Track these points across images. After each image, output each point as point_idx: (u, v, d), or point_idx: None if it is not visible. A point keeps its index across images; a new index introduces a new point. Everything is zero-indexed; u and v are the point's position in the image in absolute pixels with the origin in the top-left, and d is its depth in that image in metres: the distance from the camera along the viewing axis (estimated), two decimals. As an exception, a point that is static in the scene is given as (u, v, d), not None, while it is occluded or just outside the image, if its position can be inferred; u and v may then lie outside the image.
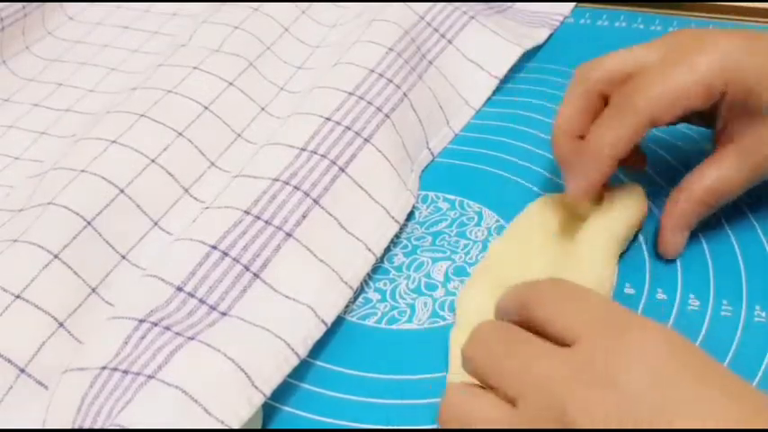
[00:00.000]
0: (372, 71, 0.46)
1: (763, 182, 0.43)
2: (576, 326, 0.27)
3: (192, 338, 0.34)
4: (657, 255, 0.40)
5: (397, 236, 0.43)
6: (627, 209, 0.39)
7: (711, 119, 0.39)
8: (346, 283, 0.39)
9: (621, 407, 0.25)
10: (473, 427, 0.28)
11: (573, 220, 0.40)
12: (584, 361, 0.26)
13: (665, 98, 0.36)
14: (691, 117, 0.39)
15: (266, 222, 0.39)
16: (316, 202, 0.40)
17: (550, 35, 0.56)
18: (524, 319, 0.29)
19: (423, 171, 0.47)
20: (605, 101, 0.39)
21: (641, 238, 0.41)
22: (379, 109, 0.45)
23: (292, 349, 0.35)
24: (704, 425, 0.24)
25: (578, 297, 0.29)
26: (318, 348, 0.37)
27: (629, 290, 0.39)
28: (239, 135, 0.47)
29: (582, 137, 0.39)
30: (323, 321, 0.37)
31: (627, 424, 0.25)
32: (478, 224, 0.43)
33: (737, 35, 0.37)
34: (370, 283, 0.41)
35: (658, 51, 0.37)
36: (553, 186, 0.44)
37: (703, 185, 0.37)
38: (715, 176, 0.37)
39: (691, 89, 0.35)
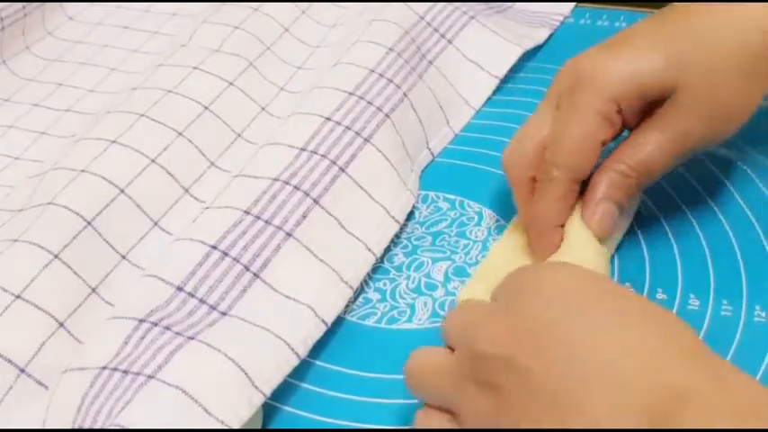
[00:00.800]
0: (372, 71, 0.46)
1: (763, 182, 0.43)
2: (504, 288, 0.32)
3: (192, 338, 0.34)
4: (657, 255, 0.40)
5: (397, 236, 0.43)
6: None
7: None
8: (346, 283, 0.39)
9: (512, 331, 0.28)
10: (424, 379, 0.32)
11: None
12: (497, 305, 0.31)
13: (576, 156, 0.37)
14: None
15: (266, 222, 0.39)
16: (316, 202, 0.40)
17: (550, 35, 0.56)
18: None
19: (423, 171, 0.47)
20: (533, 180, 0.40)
21: (641, 238, 0.41)
22: (379, 109, 0.45)
23: (292, 349, 0.35)
24: (591, 346, 0.26)
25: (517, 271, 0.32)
26: (318, 348, 0.37)
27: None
28: (239, 135, 0.47)
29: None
30: (323, 321, 0.37)
31: (516, 344, 0.28)
32: (478, 224, 0.43)
33: (598, 53, 0.38)
34: (370, 283, 0.41)
35: (550, 111, 0.39)
36: (553, 186, 0.44)
37: (628, 161, 0.37)
38: (639, 152, 0.37)
39: (592, 133, 0.37)
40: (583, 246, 0.37)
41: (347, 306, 0.40)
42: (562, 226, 0.38)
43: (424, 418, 0.32)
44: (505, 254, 0.40)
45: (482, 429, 0.29)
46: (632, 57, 0.37)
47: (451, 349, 0.31)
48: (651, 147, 0.37)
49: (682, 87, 0.36)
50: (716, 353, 0.27)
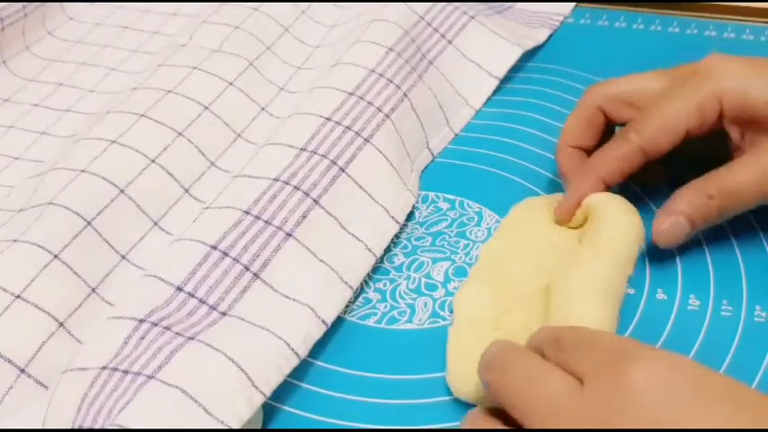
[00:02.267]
0: (372, 71, 0.46)
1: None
2: (582, 365, 0.28)
3: (192, 338, 0.34)
4: (657, 255, 0.40)
5: (397, 236, 0.43)
6: (623, 250, 0.37)
7: (724, 146, 0.39)
8: (346, 283, 0.39)
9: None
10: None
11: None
12: (590, 394, 0.27)
13: (656, 130, 0.38)
14: (702, 148, 0.39)
15: (266, 222, 0.39)
16: (316, 202, 0.40)
17: (550, 35, 0.56)
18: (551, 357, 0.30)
19: (423, 171, 0.47)
20: (605, 117, 0.41)
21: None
22: (379, 109, 0.45)
23: (292, 349, 0.35)
24: None
25: (587, 339, 0.29)
26: (318, 348, 0.37)
27: (629, 290, 0.39)
28: (239, 135, 0.47)
29: (582, 148, 0.42)
30: (323, 321, 0.37)
31: None
32: (478, 224, 0.43)
33: (736, 59, 0.38)
34: (370, 283, 0.41)
35: (662, 80, 0.40)
36: (553, 186, 0.44)
37: (721, 187, 0.37)
38: (729, 179, 0.37)
39: (682, 117, 0.37)
40: (583, 301, 0.35)
41: (347, 306, 0.40)
42: (605, 184, 0.39)
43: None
44: (498, 253, 0.40)
45: None
46: (755, 73, 0.37)
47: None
48: (744, 177, 0.36)
49: None
50: None
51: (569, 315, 0.34)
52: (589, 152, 0.42)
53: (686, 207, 0.37)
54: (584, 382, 0.27)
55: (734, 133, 0.38)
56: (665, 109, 0.38)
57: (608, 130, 0.42)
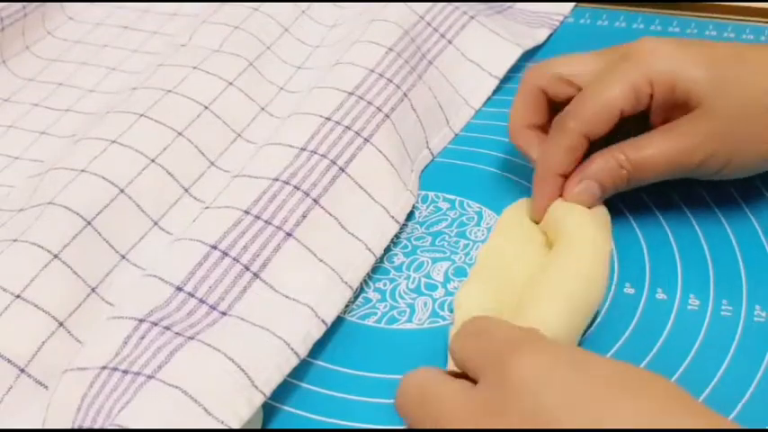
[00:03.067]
0: (372, 71, 0.46)
1: (762, 181, 0.43)
2: (476, 365, 0.29)
3: (191, 338, 0.34)
4: (657, 255, 0.40)
5: (397, 236, 0.43)
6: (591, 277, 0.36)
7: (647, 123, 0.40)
8: (346, 283, 0.39)
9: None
10: (429, 403, 0.29)
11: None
12: (480, 392, 0.28)
13: (593, 114, 0.38)
14: (630, 126, 0.40)
15: (266, 222, 0.39)
16: (316, 201, 0.40)
17: (550, 35, 0.56)
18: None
19: (423, 171, 0.47)
20: (547, 96, 0.42)
21: (641, 238, 0.41)
22: (379, 109, 0.45)
23: (292, 349, 0.35)
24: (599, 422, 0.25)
25: (471, 336, 0.31)
26: (318, 348, 0.37)
27: (628, 290, 0.39)
28: (239, 135, 0.47)
29: (534, 126, 0.43)
30: (323, 321, 0.37)
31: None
32: (478, 224, 0.43)
33: (666, 42, 0.39)
34: (370, 283, 0.41)
35: (598, 61, 0.41)
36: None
37: (627, 152, 0.38)
38: (642, 149, 0.38)
39: (617, 98, 0.38)
40: (584, 243, 0.37)
41: (347, 306, 0.40)
42: (564, 177, 0.39)
43: None
44: (495, 253, 0.40)
45: None
46: (684, 57, 0.38)
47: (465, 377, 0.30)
48: (654, 149, 0.38)
49: (707, 107, 0.37)
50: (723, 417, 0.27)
51: (528, 318, 0.34)
52: (541, 128, 0.43)
53: (598, 172, 0.39)
54: (478, 379, 0.29)
55: (657, 114, 0.39)
56: (601, 92, 0.38)
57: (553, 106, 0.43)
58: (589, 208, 0.39)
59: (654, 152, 0.38)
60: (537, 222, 0.41)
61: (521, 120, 0.43)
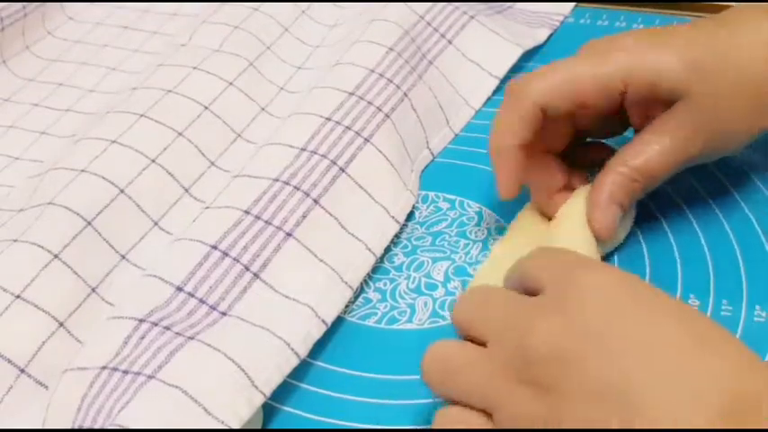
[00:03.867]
0: (372, 71, 0.46)
1: (763, 181, 0.43)
2: (542, 277, 0.30)
3: (192, 338, 0.34)
4: (657, 255, 0.40)
5: (397, 236, 0.43)
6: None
7: (625, 124, 0.40)
8: (346, 284, 0.39)
9: (569, 330, 0.27)
10: (450, 374, 0.30)
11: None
12: (543, 300, 0.29)
13: (552, 84, 0.37)
14: (605, 126, 0.40)
15: (266, 222, 0.39)
16: (316, 202, 0.40)
17: (550, 35, 0.56)
18: (519, 286, 0.32)
19: (423, 171, 0.47)
20: (544, 112, 0.39)
21: (641, 238, 0.41)
22: (379, 109, 0.45)
23: (292, 349, 0.35)
24: (650, 346, 0.26)
25: (545, 254, 0.32)
26: (318, 348, 0.37)
27: (629, 290, 0.39)
28: (239, 135, 0.47)
29: (523, 146, 0.39)
30: (323, 321, 0.37)
31: (576, 343, 0.27)
32: (478, 224, 0.43)
33: (644, 33, 0.38)
34: (370, 283, 0.41)
35: (570, 58, 0.39)
36: (553, 186, 0.44)
37: (633, 164, 0.38)
38: (645, 155, 0.38)
39: (582, 80, 0.37)
40: (578, 244, 0.37)
41: (347, 306, 0.40)
42: (522, 148, 0.38)
43: (445, 417, 0.30)
44: (507, 255, 0.40)
45: (528, 430, 0.27)
46: (660, 53, 0.37)
47: (476, 341, 0.30)
48: (654, 151, 0.38)
49: (691, 98, 0.37)
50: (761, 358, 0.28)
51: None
52: (527, 147, 0.39)
53: (615, 194, 0.38)
54: (543, 291, 0.30)
55: (635, 112, 0.39)
56: (567, 69, 0.38)
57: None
58: (614, 232, 0.38)
59: (658, 154, 0.37)
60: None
61: (510, 137, 0.39)
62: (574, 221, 0.38)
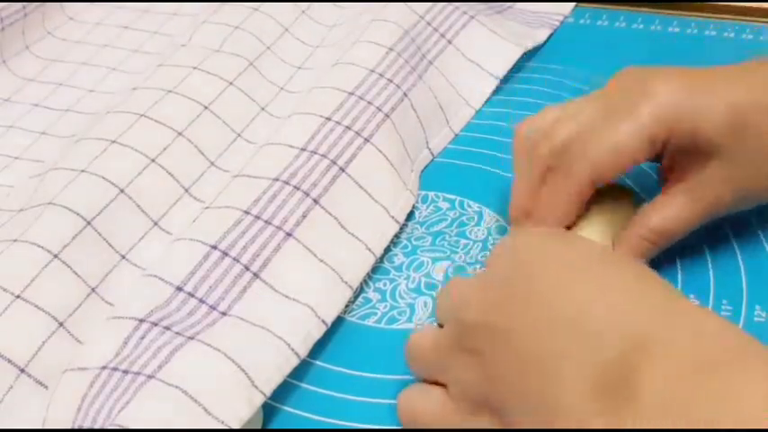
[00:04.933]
0: (372, 71, 0.46)
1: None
2: (489, 260, 0.32)
3: (192, 338, 0.34)
4: (657, 255, 0.40)
5: (397, 236, 0.43)
6: (613, 223, 0.38)
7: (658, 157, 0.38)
8: (346, 283, 0.39)
9: (495, 297, 0.29)
10: (416, 358, 0.33)
11: None
12: (486, 276, 0.31)
13: (604, 160, 0.36)
14: None
15: (266, 222, 0.39)
16: (316, 201, 0.40)
17: (550, 35, 0.56)
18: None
19: (423, 171, 0.47)
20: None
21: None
22: (379, 109, 0.45)
23: (292, 349, 0.35)
24: (567, 296, 0.28)
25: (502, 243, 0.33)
26: (318, 348, 0.37)
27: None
28: (239, 135, 0.47)
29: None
30: (323, 321, 0.37)
31: (500, 311, 0.29)
32: (478, 224, 0.43)
33: (676, 76, 0.36)
34: (370, 283, 0.41)
35: (596, 107, 0.37)
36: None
37: (653, 225, 0.37)
38: (665, 216, 0.36)
39: (630, 146, 0.35)
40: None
41: (347, 306, 0.40)
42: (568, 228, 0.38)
43: (405, 393, 0.33)
44: None
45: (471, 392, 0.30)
46: (703, 103, 0.35)
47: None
48: (678, 211, 0.36)
49: (727, 155, 0.35)
50: (683, 296, 0.28)
51: None
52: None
53: (629, 255, 0.37)
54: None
55: (668, 157, 0.37)
56: (613, 135, 0.35)
57: None
58: None
59: (678, 215, 0.36)
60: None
61: (526, 205, 0.38)
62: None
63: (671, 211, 0.36)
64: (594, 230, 0.38)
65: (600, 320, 0.26)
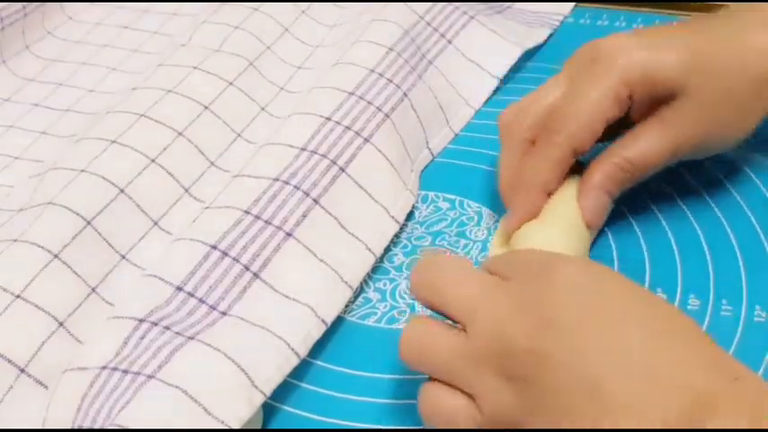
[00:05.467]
0: (372, 71, 0.46)
1: (763, 181, 0.43)
2: (508, 270, 0.31)
3: (191, 338, 0.34)
4: (656, 255, 0.40)
5: (397, 236, 0.43)
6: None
7: (626, 122, 0.40)
8: (346, 283, 0.39)
9: (544, 325, 0.28)
10: (430, 357, 0.31)
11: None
12: (515, 289, 0.30)
13: (580, 129, 0.38)
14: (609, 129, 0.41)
15: (266, 222, 0.39)
16: (316, 201, 0.40)
17: (550, 35, 0.56)
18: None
19: (423, 171, 0.47)
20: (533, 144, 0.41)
21: (641, 238, 0.41)
22: (379, 109, 0.45)
23: (292, 349, 0.35)
24: (618, 341, 0.27)
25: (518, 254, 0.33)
26: (318, 348, 0.37)
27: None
28: (239, 135, 0.47)
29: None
30: (323, 321, 0.37)
31: (550, 340, 0.28)
32: (478, 224, 0.43)
33: (629, 34, 0.39)
34: (370, 283, 0.41)
35: (564, 82, 0.40)
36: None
37: (627, 155, 0.38)
38: (639, 146, 0.38)
39: (600, 107, 0.38)
40: (568, 228, 0.38)
41: (347, 306, 0.40)
42: (548, 195, 0.39)
43: (433, 393, 0.31)
44: (501, 248, 0.40)
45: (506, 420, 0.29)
46: (657, 52, 0.37)
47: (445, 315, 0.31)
48: (650, 143, 0.38)
49: (691, 94, 0.37)
50: (727, 352, 0.28)
51: (535, 241, 0.37)
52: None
53: (604, 182, 0.39)
54: (512, 280, 0.30)
55: (637, 110, 0.39)
56: (583, 104, 0.38)
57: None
58: (602, 218, 0.39)
59: (650, 146, 0.38)
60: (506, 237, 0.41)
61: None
62: (560, 213, 0.39)
63: (645, 143, 0.38)
64: (572, 197, 0.39)
65: (664, 373, 0.26)
